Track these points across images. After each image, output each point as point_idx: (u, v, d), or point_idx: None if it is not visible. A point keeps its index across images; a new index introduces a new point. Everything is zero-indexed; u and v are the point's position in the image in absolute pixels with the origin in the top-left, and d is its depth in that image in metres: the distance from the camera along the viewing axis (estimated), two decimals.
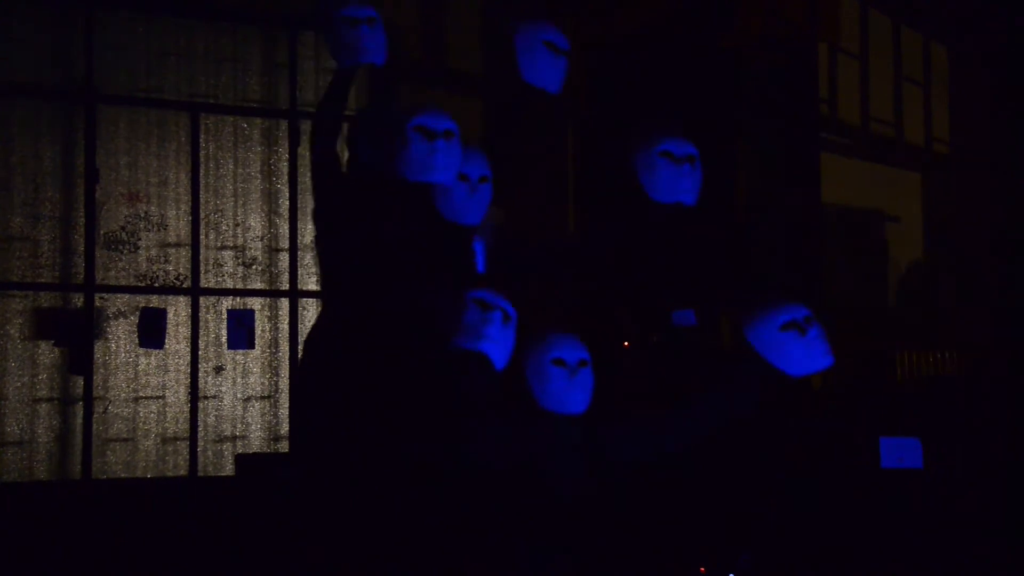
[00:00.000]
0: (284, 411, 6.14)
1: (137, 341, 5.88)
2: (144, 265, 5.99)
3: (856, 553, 4.91)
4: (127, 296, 5.92)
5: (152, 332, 5.87)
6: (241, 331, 6.02)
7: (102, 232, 5.90)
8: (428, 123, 3.74)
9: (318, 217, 4.03)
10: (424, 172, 3.71)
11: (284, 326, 6.20)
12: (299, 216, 6.14)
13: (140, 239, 5.99)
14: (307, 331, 4.19)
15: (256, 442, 6.14)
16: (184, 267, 6.03)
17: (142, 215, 6.01)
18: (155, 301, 5.94)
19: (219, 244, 6.13)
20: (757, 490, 4.74)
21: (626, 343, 5.05)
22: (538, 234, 4.62)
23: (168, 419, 5.99)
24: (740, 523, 4.33)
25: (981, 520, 5.25)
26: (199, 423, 5.99)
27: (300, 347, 5.97)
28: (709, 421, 3.65)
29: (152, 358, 5.96)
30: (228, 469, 6.01)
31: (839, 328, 6.52)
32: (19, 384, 5.73)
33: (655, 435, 3.64)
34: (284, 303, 6.20)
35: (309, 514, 3.99)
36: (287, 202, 6.17)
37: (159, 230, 6.02)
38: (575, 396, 3.61)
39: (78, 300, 5.82)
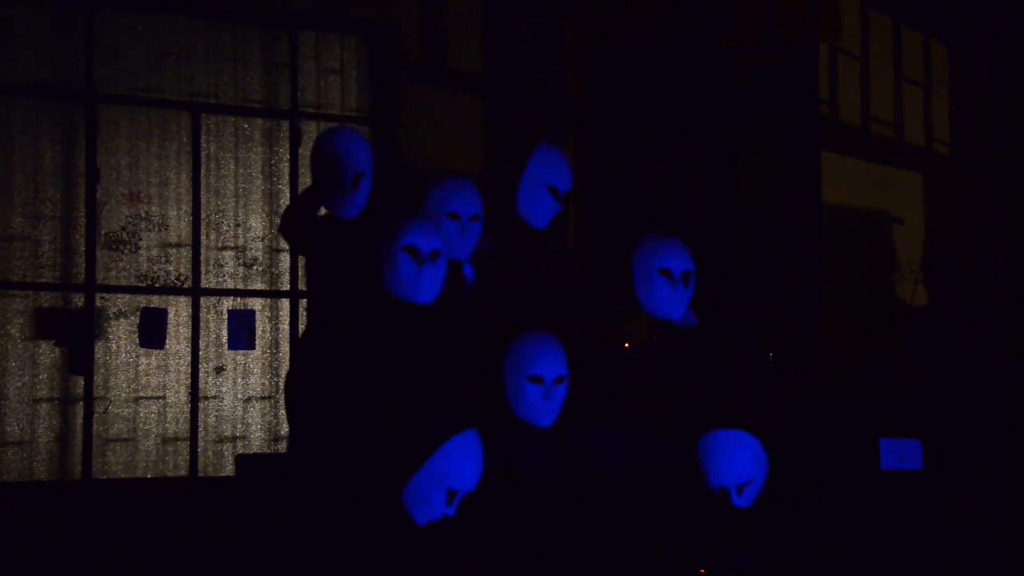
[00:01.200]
0: (284, 411, 6.13)
1: (138, 341, 5.88)
2: (145, 265, 5.99)
3: (856, 553, 4.91)
4: (128, 296, 5.92)
5: (153, 332, 5.87)
6: (242, 331, 6.02)
7: (103, 232, 5.90)
8: (417, 243, 3.84)
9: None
10: (410, 294, 3.87)
11: (285, 326, 6.19)
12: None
13: (141, 239, 5.99)
14: (302, 331, 4.23)
15: (256, 442, 6.14)
16: (185, 267, 6.03)
17: (143, 215, 6.00)
18: (156, 301, 5.94)
19: (220, 244, 6.12)
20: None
21: (627, 344, 5.05)
22: (537, 241, 4.61)
23: (168, 419, 5.99)
24: (739, 524, 4.33)
25: (981, 521, 5.25)
26: (199, 423, 5.98)
27: (293, 347, 6.02)
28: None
29: (152, 358, 5.96)
30: (228, 469, 6.01)
31: (841, 329, 6.53)
32: (19, 384, 5.73)
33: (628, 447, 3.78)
34: (285, 303, 6.20)
35: (309, 514, 3.99)
36: (288, 202, 6.16)
37: (160, 230, 6.02)
38: (547, 413, 3.81)
39: (79, 300, 5.82)
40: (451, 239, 4.08)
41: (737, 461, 3.97)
